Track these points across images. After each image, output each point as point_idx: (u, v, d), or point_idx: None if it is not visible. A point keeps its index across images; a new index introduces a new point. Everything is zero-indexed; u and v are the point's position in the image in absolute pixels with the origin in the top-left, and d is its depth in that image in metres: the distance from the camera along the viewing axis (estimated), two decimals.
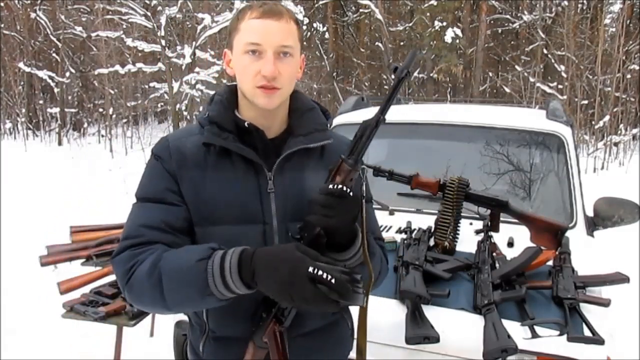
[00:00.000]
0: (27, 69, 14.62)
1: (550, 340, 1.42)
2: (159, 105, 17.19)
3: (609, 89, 11.24)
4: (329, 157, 1.16)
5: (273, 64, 1.05)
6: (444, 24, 13.19)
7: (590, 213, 2.29)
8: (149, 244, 1.04)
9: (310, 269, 0.87)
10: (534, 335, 1.43)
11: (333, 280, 0.87)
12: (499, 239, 1.99)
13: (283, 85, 1.09)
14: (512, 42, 17.32)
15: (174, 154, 1.10)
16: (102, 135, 14.66)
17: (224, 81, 12.88)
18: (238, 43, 1.08)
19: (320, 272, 0.87)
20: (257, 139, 1.12)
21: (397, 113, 3.07)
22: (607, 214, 2.23)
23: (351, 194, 0.99)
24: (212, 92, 1.30)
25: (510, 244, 2.02)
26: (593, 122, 11.32)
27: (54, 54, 15.95)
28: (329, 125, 1.22)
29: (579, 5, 13.81)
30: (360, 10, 15.76)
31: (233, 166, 1.10)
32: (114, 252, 1.09)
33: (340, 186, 0.98)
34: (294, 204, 1.12)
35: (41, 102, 15.87)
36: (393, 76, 1.03)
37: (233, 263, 0.93)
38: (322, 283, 0.87)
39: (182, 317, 1.76)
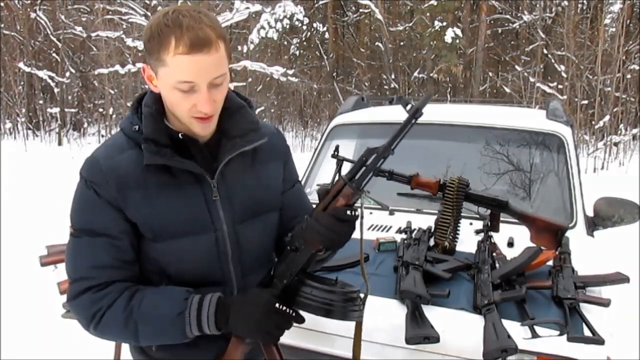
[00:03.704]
0: (27, 69, 14.61)
1: (550, 340, 1.42)
2: None
3: (609, 89, 11.23)
4: (261, 153, 1.20)
5: (208, 99, 1.01)
6: (444, 24, 13.19)
7: (590, 213, 2.28)
8: (106, 284, 1.06)
9: (277, 305, 1.02)
10: (534, 335, 1.43)
11: (293, 314, 1.05)
12: (499, 239, 1.99)
13: (217, 110, 1.08)
14: (512, 42, 17.32)
15: (111, 177, 1.04)
16: (102, 135, 14.65)
17: None
18: (166, 76, 1.01)
19: (284, 307, 1.03)
20: (193, 147, 1.10)
21: (397, 113, 3.07)
22: (607, 214, 2.23)
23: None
24: None
25: (510, 244, 2.02)
26: (593, 122, 11.31)
27: (54, 54, 15.94)
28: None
29: (579, 5, 13.82)
30: (360, 10, 15.76)
31: (175, 179, 1.08)
32: (68, 293, 1.08)
33: (356, 213, 1.01)
34: (241, 207, 1.15)
35: (41, 102, 15.85)
36: (405, 110, 1.04)
37: (211, 314, 1.04)
38: (284, 315, 1.04)
39: None
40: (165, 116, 1.11)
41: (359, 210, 1.04)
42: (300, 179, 1.38)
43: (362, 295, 1.10)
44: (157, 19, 1.00)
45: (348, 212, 1.00)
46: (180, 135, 1.09)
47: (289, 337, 1.53)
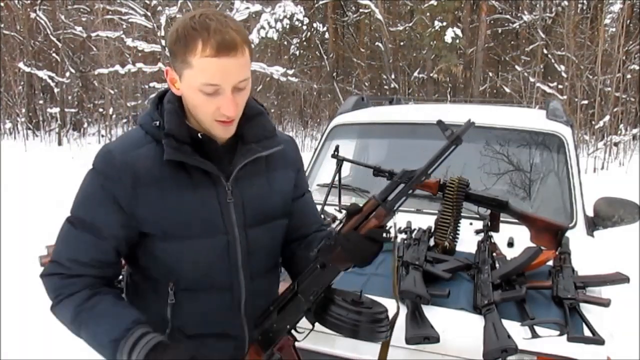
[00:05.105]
0: (27, 69, 14.61)
1: (550, 340, 1.42)
2: None
3: (609, 89, 11.24)
4: (274, 160, 1.19)
5: (232, 102, 1.02)
6: (444, 24, 13.18)
7: (590, 213, 2.28)
8: (75, 276, 1.08)
9: None
10: (534, 335, 1.43)
11: None
12: (499, 239, 1.99)
13: (239, 114, 1.08)
14: (512, 42, 17.33)
15: (125, 172, 1.03)
16: (102, 135, 14.65)
17: None
18: (190, 78, 1.01)
19: None
20: (211, 148, 1.10)
21: (398, 113, 3.07)
22: (607, 214, 2.22)
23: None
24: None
25: (510, 244, 2.02)
26: (593, 122, 11.31)
27: (54, 54, 15.94)
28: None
29: (579, 5, 13.83)
30: (360, 10, 15.76)
31: (191, 178, 1.08)
32: (44, 267, 1.12)
33: (391, 235, 1.03)
34: (252, 212, 1.14)
35: (41, 102, 15.85)
36: (445, 135, 1.05)
37: (142, 354, 0.99)
38: None
39: None
40: (184, 115, 1.11)
41: (392, 229, 1.05)
42: None
43: (390, 316, 1.09)
44: (184, 22, 1.01)
45: (385, 235, 1.02)
46: (200, 134, 1.08)
47: None
